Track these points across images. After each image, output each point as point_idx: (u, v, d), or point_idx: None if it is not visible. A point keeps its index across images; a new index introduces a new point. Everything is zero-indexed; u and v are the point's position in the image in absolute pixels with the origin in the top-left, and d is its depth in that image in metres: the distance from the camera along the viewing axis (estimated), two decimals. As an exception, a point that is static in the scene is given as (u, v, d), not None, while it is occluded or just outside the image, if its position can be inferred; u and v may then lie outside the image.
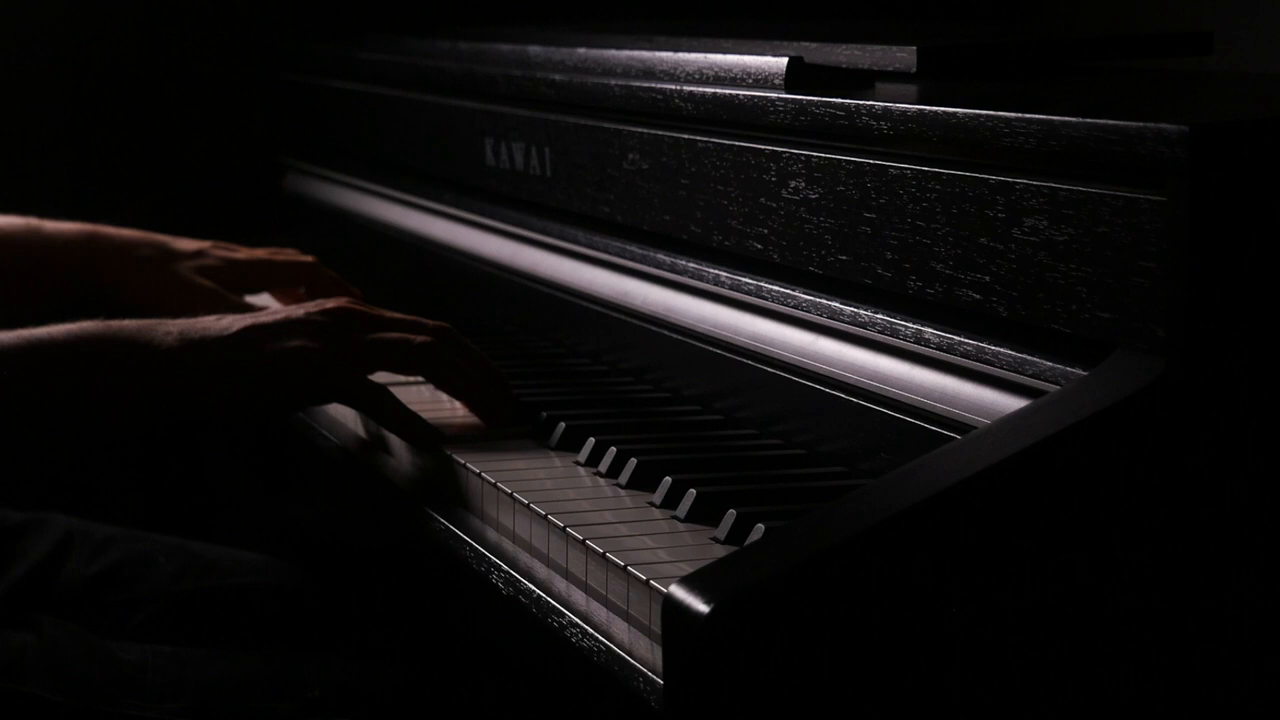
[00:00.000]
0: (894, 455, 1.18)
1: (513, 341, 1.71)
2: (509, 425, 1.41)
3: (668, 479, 1.20)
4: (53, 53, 2.45)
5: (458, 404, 1.46)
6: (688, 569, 0.97)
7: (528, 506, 1.20)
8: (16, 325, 1.36)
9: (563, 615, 1.10)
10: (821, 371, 1.27)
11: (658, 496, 1.20)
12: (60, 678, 1.34)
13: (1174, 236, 0.98)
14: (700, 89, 1.41)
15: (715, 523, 1.13)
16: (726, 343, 1.39)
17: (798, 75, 1.35)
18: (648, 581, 1.05)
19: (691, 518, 1.16)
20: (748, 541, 1.09)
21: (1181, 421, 0.98)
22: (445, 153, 1.91)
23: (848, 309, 1.25)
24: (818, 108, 1.26)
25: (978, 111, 1.11)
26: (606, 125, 1.55)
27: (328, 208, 2.23)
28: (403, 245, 1.99)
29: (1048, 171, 1.07)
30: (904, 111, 1.17)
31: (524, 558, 1.20)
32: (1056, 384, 1.06)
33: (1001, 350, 1.11)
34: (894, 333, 1.21)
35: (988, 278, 1.11)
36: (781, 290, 1.33)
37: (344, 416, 1.53)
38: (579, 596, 1.12)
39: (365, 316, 1.40)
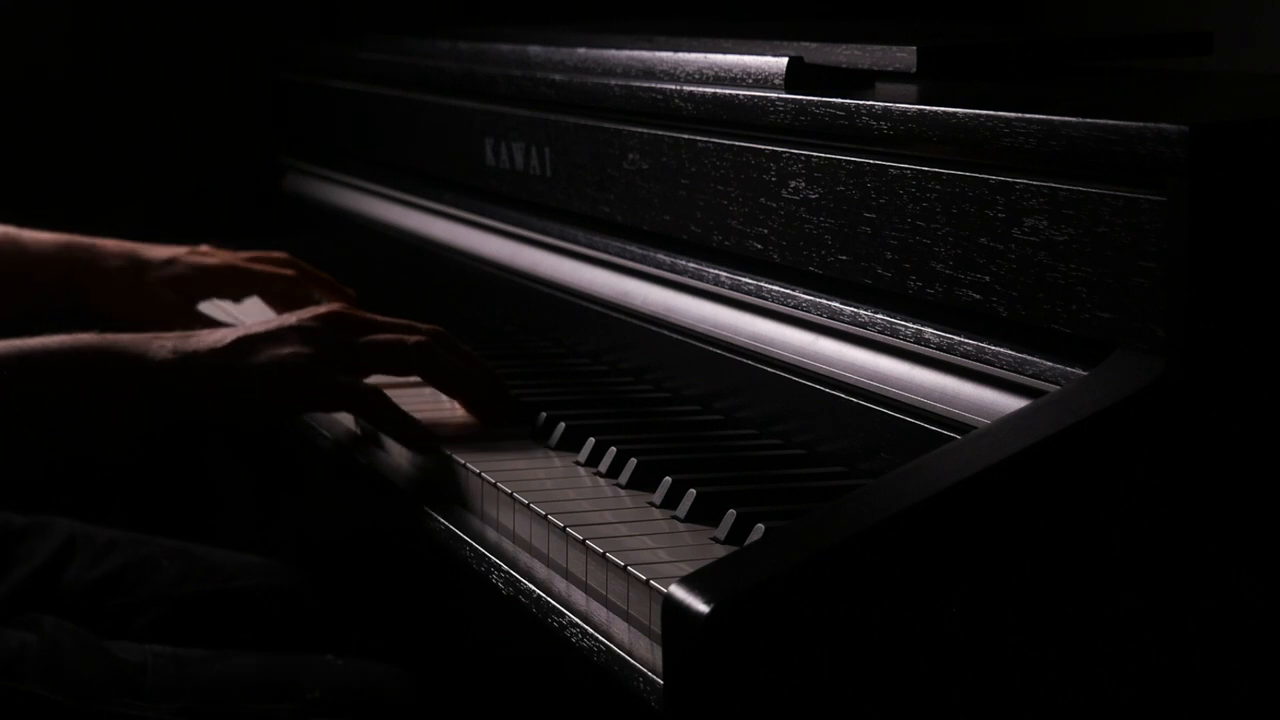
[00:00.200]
0: (894, 455, 1.18)
1: (513, 341, 1.71)
2: (506, 423, 1.41)
3: (668, 479, 1.20)
4: (52, 52, 2.45)
5: (457, 405, 1.46)
6: (688, 569, 0.97)
7: (528, 506, 1.20)
8: None
9: (563, 615, 1.10)
10: (821, 371, 1.27)
11: (658, 496, 1.20)
12: (60, 677, 1.34)
13: (1174, 236, 0.98)
14: (700, 89, 1.41)
15: (715, 523, 1.13)
16: (726, 343, 1.39)
17: (798, 75, 1.35)
18: (648, 581, 1.05)
19: (691, 518, 1.16)
20: (748, 541, 1.09)
21: (1181, 421, 0.98)
22: (445, 153, 1.91)
23: (848, 309, 1.25)
24: (818, 108, 1.26)
25: (978, 111, 1.11)
26: (606, 125, 1.55)
27: (328, 208, 2.23)
28: (403, 245, 1.99)
29: (1048, 171, 1.07)
30: (904, 111, 1.17)
31: (524, 558, 1.20)
32: (1056, 384, 1.06)
33: (1001, 350, 1.11)
34: (894, 333, 1.20)
35: (988, 278, 1.11)
36: (781, 290, 1.33)
37: (342, 415, 1.53)
38: (579, 596, 1.12)
39: (358, 321, 1.41)
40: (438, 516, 1.29)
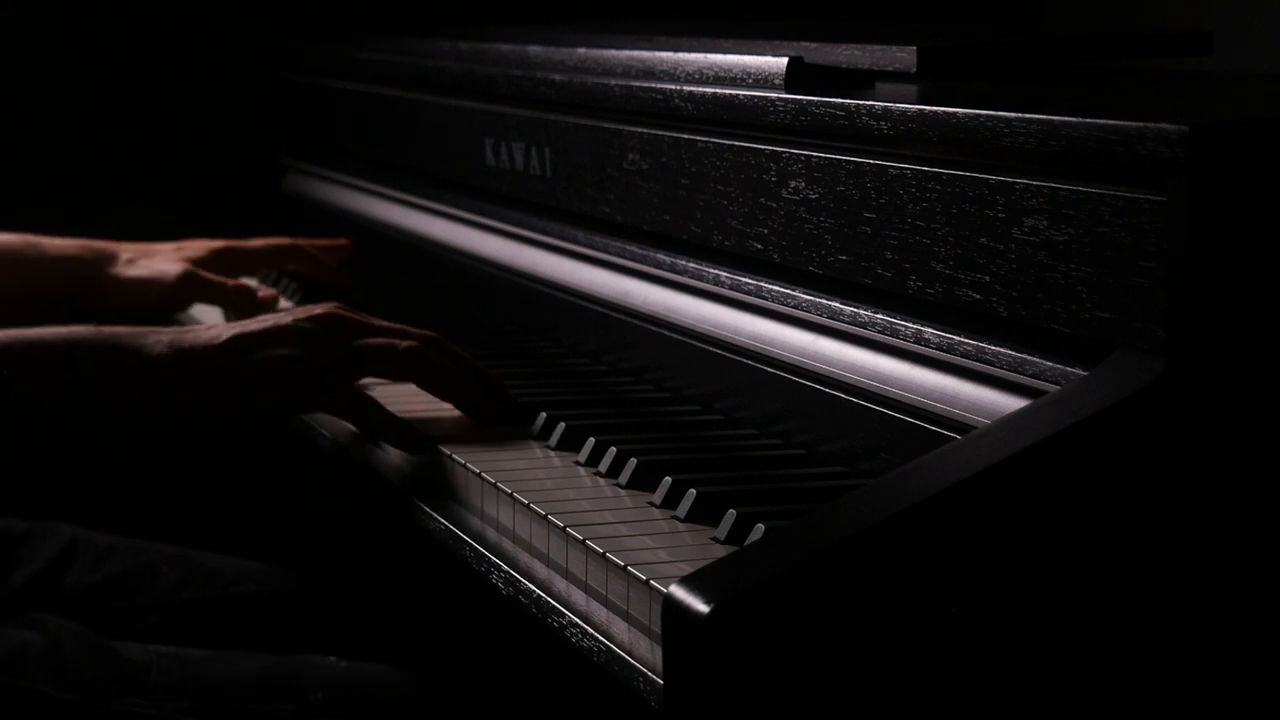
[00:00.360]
0: (894, 455, 1.18)
1: (513, 341, 1.71)
2: (501, 424, 1.42)
3: (668, 479, 1.20)
4: (52, 52, 2.45)
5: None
6: (688, 569, 0.97)
7: (528, 506, 1.20)
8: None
9: (563, 615, 1.10)
10: (821, 371, 1.27)
11: (658, 496, 1.20)
12: (64, 675, 1.35)
13: (1174, 236, 0.98)
14: (700, 89, 1.41)
15: (715, 523, 1.13)
16: (726, 343, 1.39)
17: (798, 75, 1.35)
18: (648, 581, 1.05)
19: (691, 518, 1.16)
20: (748, 541, 1.09)
21: (1181, 422, 0.98)
22: (445, 153, 1.91)
23: (848, 309, 1.25)
24: (818, 108, 1.26)
25: (978, 111, 1.11)
26: (606, 125, 1.55)
27: (328, 208, 2.23)
28: (403, 245, 1.99)
29: (1048, 171, 1.07)
30: (904, 111, 1.17)
31: (524, 558, 1.20)
32: (1056, 384, 1.06)
33: (1001, 350, 1.11)
34: (894, 333, 1.20)
35: (988, 278, 1.11)
36: (781, 290, 1.33)
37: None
38: (579, 596, 1.12)
39: (352, 323, 1.42)
40: (437, 516, 1.29)
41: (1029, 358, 1.09)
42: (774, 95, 1.31)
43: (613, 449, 1.28)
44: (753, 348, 1.35)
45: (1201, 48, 1.51)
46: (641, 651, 1.02)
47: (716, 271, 1.41)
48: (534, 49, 1.74)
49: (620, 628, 1.06)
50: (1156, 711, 1.00)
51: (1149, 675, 1.00)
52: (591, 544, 1.12)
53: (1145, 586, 0.99)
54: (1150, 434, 0.98)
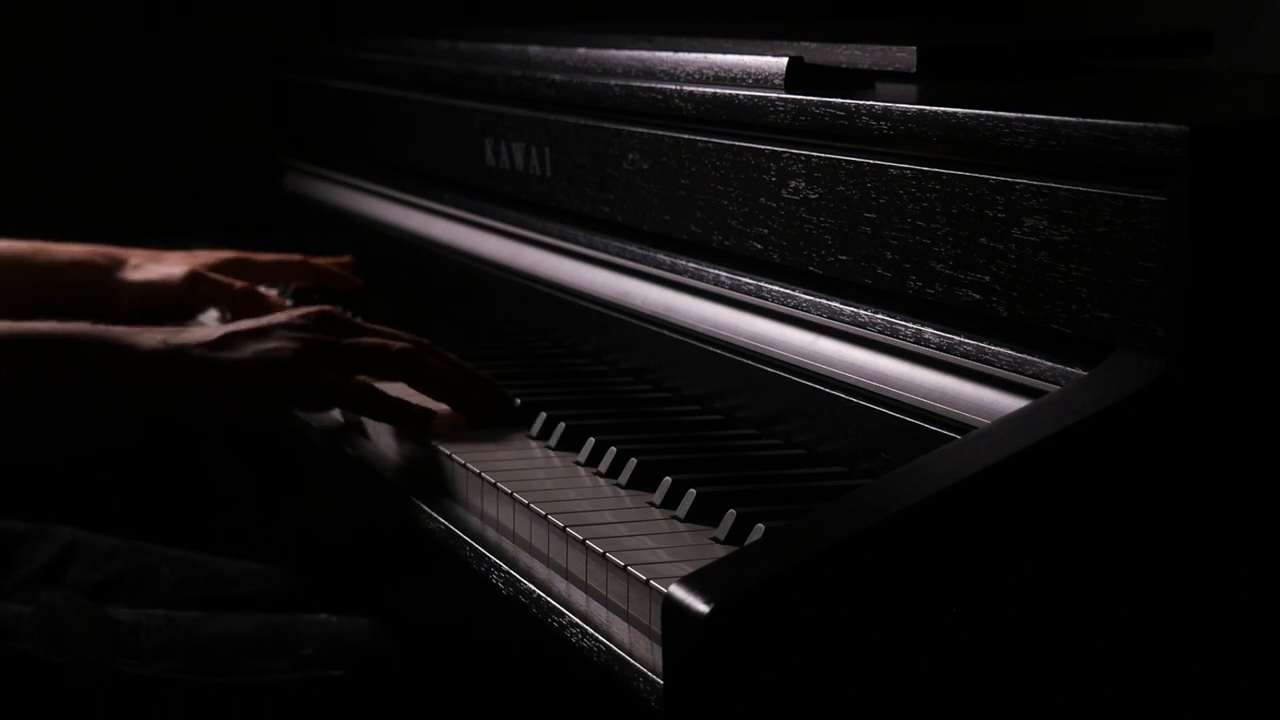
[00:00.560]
0: (894, 455, 1.18)
1: (513, 341, 1.71)
2: (497, 423, 1.42)
3: (668, 479, 1.20)
4: (52, 53, 2.45)
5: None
6: (688, 569, 0.97)
7: (528, 506, 1.20)
8: None
9: (563, 615, 1.10)
10: (821, 371, 1.27)
11: (658, 496, 1.20)
12: (55, 639, 1.36)
13: (1174, 236, 0.98)
14: (700, 89, 1.41)
15: (715, 523, 1.13)
16: (726, 343, 1.39)
17: (798, 75, 1.35)
18: (648, 581, 1.05)
19: (691, 518, 1.16)
20: (748, 541, 1.09)
21: (1182, 422, 0.98)
22: (445, 153, 1.91)
23: (848, 309, 1.25)
24: (818, 108, 1.26)
25: (978, 111, 1.11)
26: (606, 125, 1.55)
27: (328, 208, 2.23)
28: (403, 245, 1.99)
29: (1048, 171, 1.07)
30: (904, 111, 1.17)
31: (524, 557, 1.20)
32: (1056, 384, 1.06)
33: (1001, 350, 1.11)
34: (894, 333, 1.20)
35: (988, 278, 1.11)
36: (781, 290, 1.33)
37: (339, 413, 1.53)
38: (579, 596, 1.12)
39: (345, 322, 1.45)
40: (437, 516, 1.29)
41: (1029, 358, 1.09)
42: (774, 95, 1.31)
43: (613, 449, 1.28)
44: (753, 348, 1.35)
45: (1201, 48, 1.51)
46: (641, 651, 1.02)
47: (716, 271, 1.41)
48: (534, 49, 1.74)
49: (620, 628, 1.06)
50: (1156, 711, 1.00)
51: (1149, 675, 1.00)
52: (591, 544, 1.12)
53: (1145, 586, 0.99)
54: (1150, 434, 0.98)
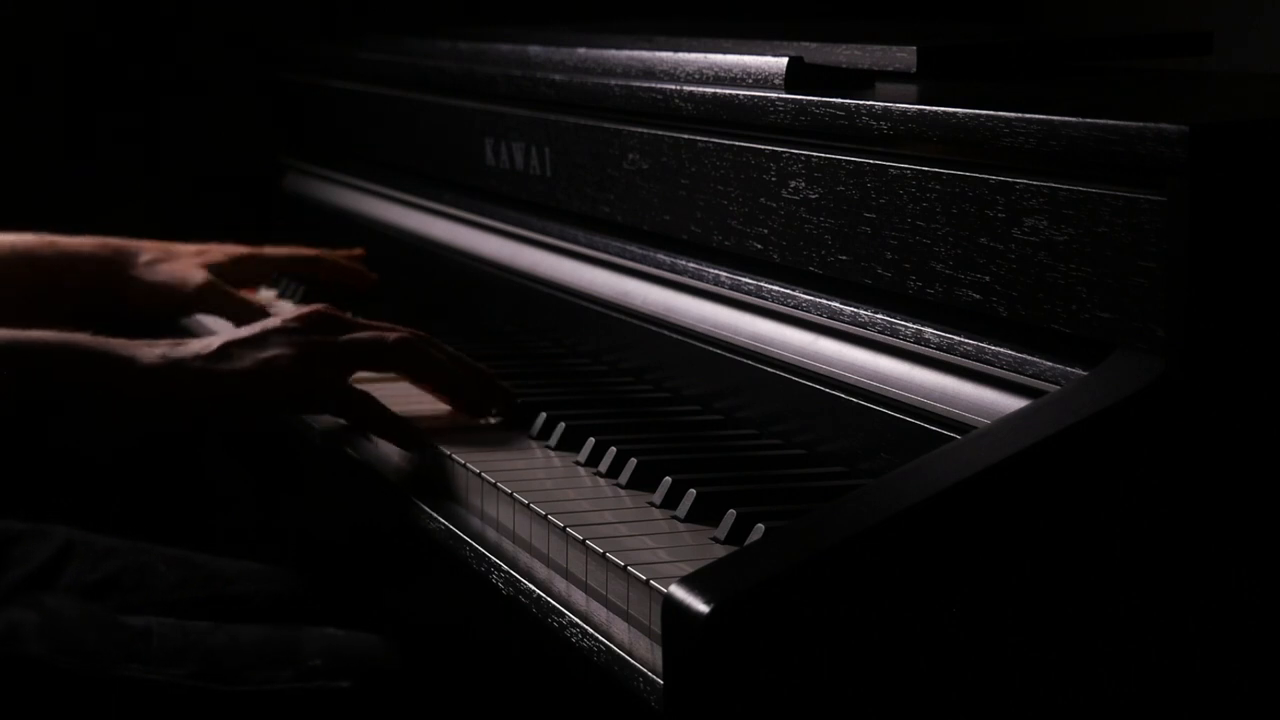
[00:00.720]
0: (894, 455, 1.18)
1: (513, 341, 1.71)
2: (495, 417, 1.42)
3: (668, 479, 1.20)
4: (51, 53, 2.45)
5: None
6: (688, 569, 0.97)
7: (528, 506, 1.20)
8: None
9: (563, 615, 1.10)
10: (821, 371, 1.27)
11: (658, 496, 1.20)
12: (64, 644, 1.36)
13: (1174, 236, 0.98)
14: (700, 89, 1.41)
15: (715, 523, 1.13)
16: (726, 343, 1.39)
17: (798, 75, 1.35)
18: (648, 581, 1.04)
19: (691, 518, 1.16)
20: (748, 541, 1.09)
21: (1182, 422, 0.98)
22: (445, 153, 1.91)
23: (848, 309, 1.25)
24: (818, 108, 1.26)
25: (978, 111, 1.11)
26: (606, 125, 1.55)
27: (328, 208, 2.23)
28: (403, 245, 1.99)
29: (1048, 171, 1.07)
30: (904, 111, 1.17)
31: (524, 558, 1.20)
32: (1056, 384, 1.06)
33: (1001, 350, 1.11)
34: (894, 333, 1.20)
35: (988, 278, 1.11)
36: (781, 290, 1.33)
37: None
38: (579, 596, 1.12)
39: (339, 320, 1.45)
40: (437, 516, 1.29)
41: (1029, 358, 1.09)
42: (774, 95, 1.31)
43: (613, 449, 1.28)
44: (753, 348, 1.35)
45: (1201, 48, 1.51)
46: (641, 651, 1.02)
47: (716, 271, 1.41)
48: (534, 49, 1.74)
49: (620, 628, 1.06)
50: (1156, 711, 1.00)
51: (1149, 675, 1.00)
52: (591, 544, 1.12)
53: (1145, 586, 0.99)
54: (1150, 434, 0.98)
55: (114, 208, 2.37)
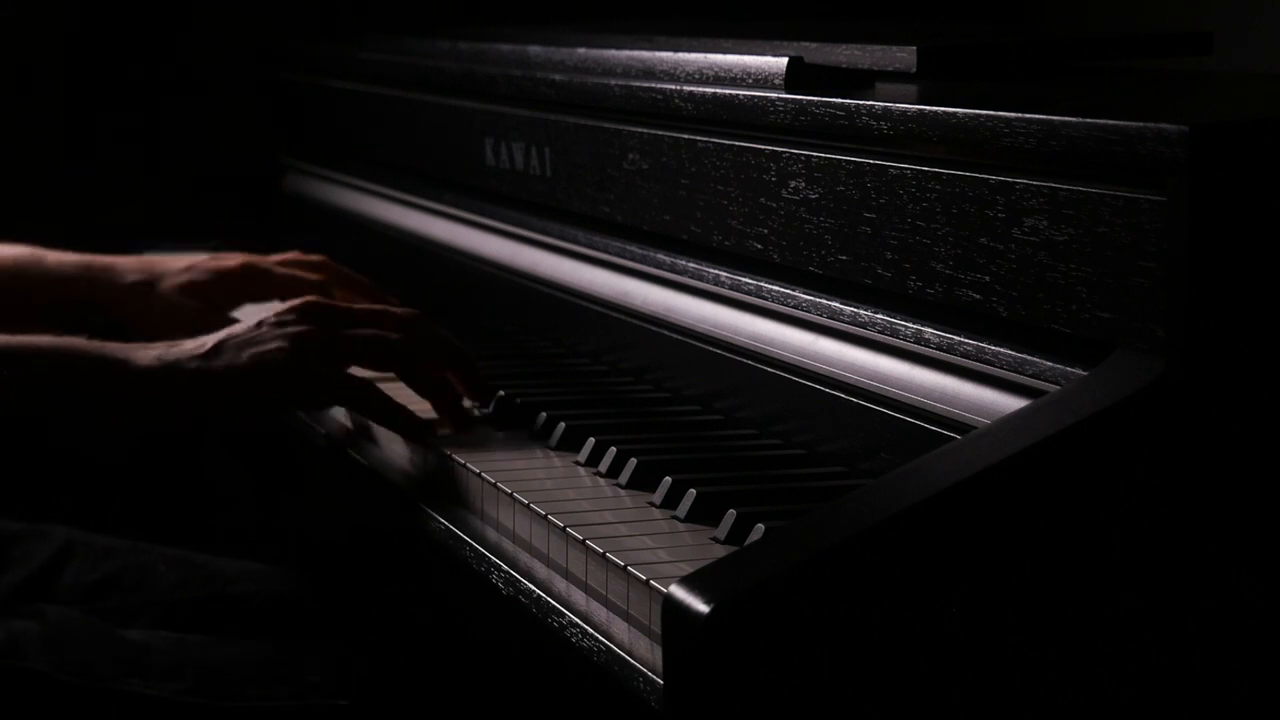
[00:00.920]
0: (894, 455, 1.18)
1: (513, 341, 1.71)
2: (474, 426, 1.42)
3: (668, 479, 1.20)
4: (51, 53, 2.45)
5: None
6: (688, 569, 0.97)
7: (528, 506, 1.20)
8: None
9: (563, 615, 1.10)
10: (821, 371, 1.27)
11: (658, 496, 1.20)
12: (64, 657, 1.36)
13: (1174, 236, 0.98)
14: (700, 89, 1.41)
15: (715, 523, 1.13)
16: (726, 343, 1.39)
17: (798, 75, 1.35)
18: (648, 581, 1.04)
19: (691, 518, 1.16)
20: (748, 541, 1.09)
21: (1182, 422, 0.98)
22: (445, 153, 1.91)
23: (848, 309, 1.25)
24: (818, 108, 1.26)
25: (978, 111, 1.11)
26: (606, 125, 1.55)
27: (328, 208, 2.23)
28: (403, 245, 1.99)
29: (1048, 171, 1.07)
30: (904, 111, 1.17)
31: (524, 558, 1.20)
32: (1056, 384, 1.06)
33: (1001, 350, 1.11)
34: (894, 333, 1.20)
35: (988, 278, 1.11)
36: (781, 290, 1.33)
37: (338, 413, 1.53)
38: (579, 596, 1.12)
39: (335, 310, 1.44)
40: (437, 516, 1.29)
41: (1029, 358, 1.09)
42: (774, 95, 1.31)
43: (613, 449, 1.28)
44: (753, 348, 1.35)
45: (1201, 48, 1.51)
46: (641, 651, 1.02)
47: (716, 271, 1.41)
48: (534, 49, 1.74)
49: (620, 628, 1.06)
50: (1156, 711, 1.00)
51: (1149, 675, 1.00)
52: (591, 544, 1.12)
53: (1145, 587, 0.99)
54: (1150, 434, 0.98)
55: (114, 208, 2.38)
